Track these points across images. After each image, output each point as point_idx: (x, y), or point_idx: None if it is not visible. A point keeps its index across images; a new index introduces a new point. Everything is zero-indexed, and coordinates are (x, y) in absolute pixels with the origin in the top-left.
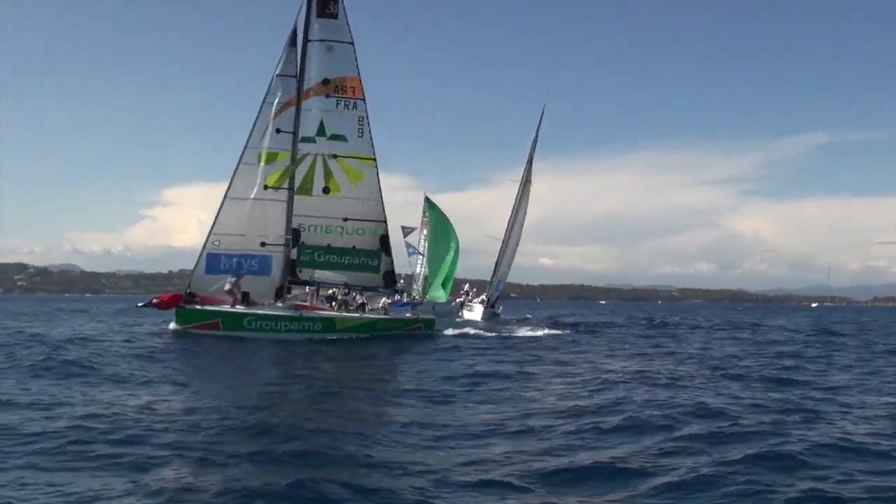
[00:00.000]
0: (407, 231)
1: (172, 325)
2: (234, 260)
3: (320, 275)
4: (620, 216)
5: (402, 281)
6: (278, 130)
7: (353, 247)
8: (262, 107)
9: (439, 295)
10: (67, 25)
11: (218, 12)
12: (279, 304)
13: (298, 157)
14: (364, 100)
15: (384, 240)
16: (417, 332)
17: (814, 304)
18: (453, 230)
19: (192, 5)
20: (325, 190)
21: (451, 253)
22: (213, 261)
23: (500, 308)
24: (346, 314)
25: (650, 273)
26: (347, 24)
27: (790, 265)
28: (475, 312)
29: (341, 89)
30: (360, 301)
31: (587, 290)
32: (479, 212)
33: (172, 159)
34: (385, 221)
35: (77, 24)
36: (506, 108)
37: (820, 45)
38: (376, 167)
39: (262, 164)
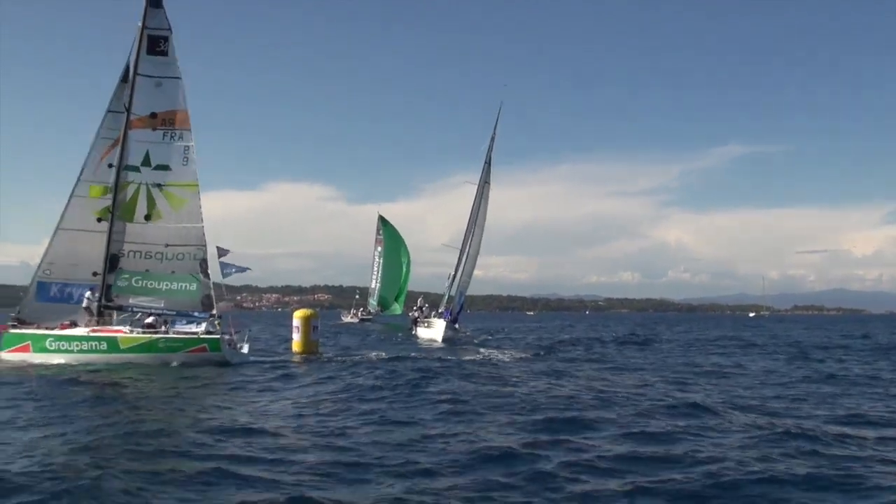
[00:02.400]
0: (222, 252)
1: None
2: (67, 290)
3: (135, 300)
4: (546, 226)
5: (357, 296)
6: (110, 165)
7: (173, 272)
8: (94, 141)
9: (394, 308)
10: None
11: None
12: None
13: (122, 184)
14: (190, 130)
15: (203, 264)
16: (203, 354)
17: (751, 314)
18: (405, 246)
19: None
20: (147, 217)
21: (404, 268)
22: (43, 289)
23: (460, 324)
24: (130, 333)
25: (576, 283)
26: (176, 61)
27: (712, 274)
28: (435, 329)
29: (168, 122)
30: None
31: (515, 300)
32: (408, 222)
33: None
34: (205, 246)
35: None
36: (433, 121)
37: (735, 59)
38: (198, 192)
39: (93, 196)
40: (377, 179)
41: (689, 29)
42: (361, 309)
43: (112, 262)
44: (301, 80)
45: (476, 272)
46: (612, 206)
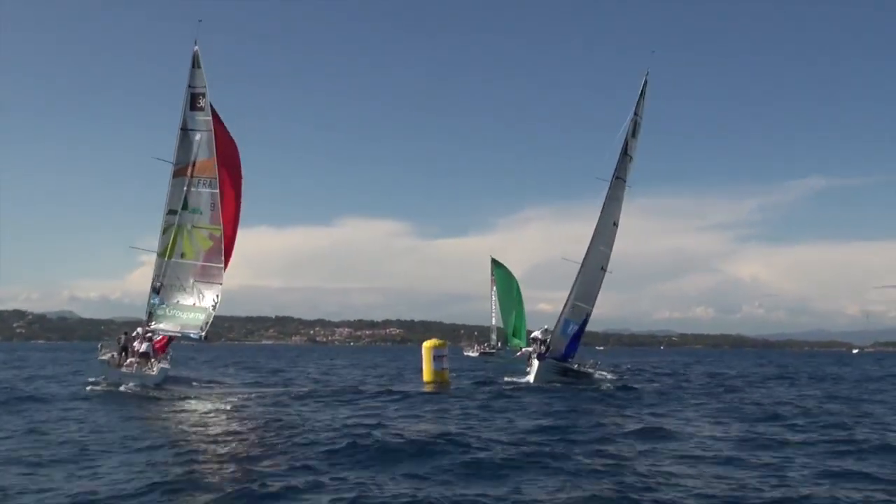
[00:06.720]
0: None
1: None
2: None
3: (159, 326)
4: (618, 261)
5: (476, 333)
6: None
7: (194, 304)
8: None
9: (516, 343)
10: (62, 66)
11: None
12: None
13: (165, 226)
14: (217, 178)
15: (217, 296)
16: None
17: (854, 351)
18: (517, 283)
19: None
20: (182, 255)
21: (517, 304)
22: None
23: (579, 363)
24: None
25: (648, 318)
26: (212, 115)
27: (789, 309)
28: (531, 371)
29: (202, 170)
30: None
31: (587, 336)
32: (479, 257)
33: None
34: (221, 282)
35: (70, 63)
36: (504, 154)
37: (815, 89)
38: (222, 236)
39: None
40: (448, 213)
41: (770, 61)
42: (486, 344)
43: (155, 293)
44: (370, 117)
45: (546, 307)
46: (685, 241)
